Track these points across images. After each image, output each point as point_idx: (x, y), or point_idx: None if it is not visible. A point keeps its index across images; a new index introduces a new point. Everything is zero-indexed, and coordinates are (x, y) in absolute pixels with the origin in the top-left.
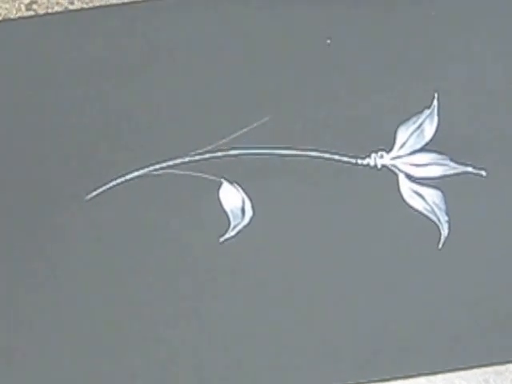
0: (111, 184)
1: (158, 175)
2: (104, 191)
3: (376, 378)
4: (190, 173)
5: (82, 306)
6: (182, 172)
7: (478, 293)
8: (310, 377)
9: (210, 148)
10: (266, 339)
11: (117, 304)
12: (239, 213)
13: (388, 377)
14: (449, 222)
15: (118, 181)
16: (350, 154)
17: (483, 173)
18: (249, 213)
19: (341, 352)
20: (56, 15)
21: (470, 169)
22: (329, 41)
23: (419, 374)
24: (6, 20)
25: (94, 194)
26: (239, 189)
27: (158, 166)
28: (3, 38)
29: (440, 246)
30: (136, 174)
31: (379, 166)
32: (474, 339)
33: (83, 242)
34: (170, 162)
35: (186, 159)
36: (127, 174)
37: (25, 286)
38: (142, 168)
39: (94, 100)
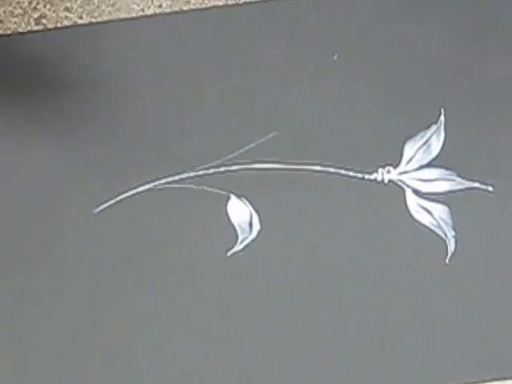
0: (119, 197)
1: (167, 189)
2: (112, 204)
3: None
4: (199, 187)
5: (90, 318)
6: (190, 186)
7: (486, 307)
8: None
9: (218, 162)
10: (275, 353)
11: (125, 317)
12: (247, 227)
13: None
14: (455, 237)
15: (127, 194)
16: (358, 169)
17: (490, 188)
18: (256, 227)
19: (348, 365)
20: (65, 29)
21: (476, 184)
22: (336, 56)
23: None
24: (16, 34)
25: (103, 207)
26: (247, 203)
27: (166, 180)
28: (13, 51)
29: (447, 260)
30: (145, 187)
31: (386, 181)
32: (480, 354)
33: (91, 254)
34: (179, 177)
35: (194, 173)
36: (136, 187)
37: (33, 298)
38: (150, 181)
39: (101, 114)
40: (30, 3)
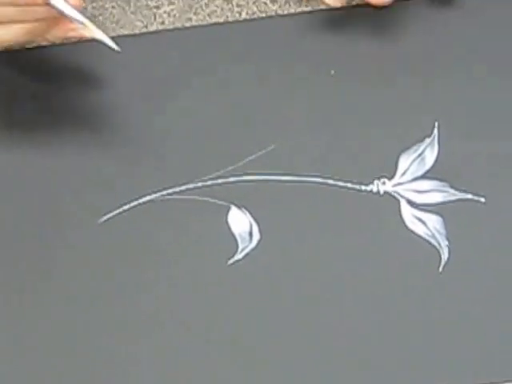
0: (123, 208)
1: (169, 200)
2: (116, 215)
3: None
4: (201, 198)
5: (92, 327)
6: (192, 197)
7: (479, 313)
8: None
9: (218, 174)
10: (276, 359)
11: (126, 325)
12: (247, 236)
13: None
14: (449, 246)
15: (130, 205)
16: (354, 181)
17: (482, 200)
18: (256, 236)
19: (347, 369)
20: (70, 45)
21: (469, 196)
22: (333, 71)
23: None
24: (23, 50)
25: (106, 217)
26: (247, 213)
27: (168, 192)
28: (22, 65)
29: (440, 269)
30: (147, 198)
31: (382, 193)
32: (473, 361)
33: (94, 264)
34: (179, 188)
35: (195, 185)
36: (139, 198)
37: (35, 308)
38: (153, 193)
39: (105, 125)
40: None
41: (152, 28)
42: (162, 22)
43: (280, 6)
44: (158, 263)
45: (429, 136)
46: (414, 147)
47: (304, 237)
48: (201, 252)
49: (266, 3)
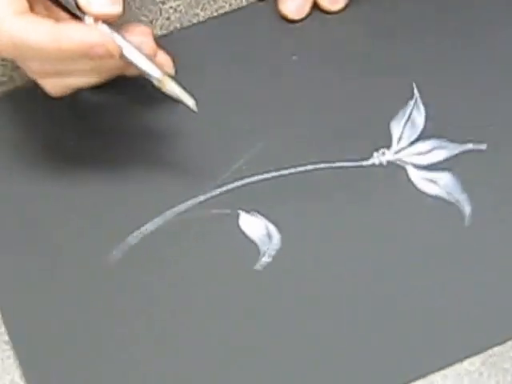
0: (129, 239)
1: (174, 221)
2: (124, 250)
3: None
4: (205, 212)
5: (116, 361)
6: (196, 213)
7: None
8: None
9: (216, 184)
10: (322, 362)
11: (156, 352)
12: (265, 238)
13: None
14: (467, 199)
15: (135, 235)
16: (354, 158)
17: (483, 147)
18: (276, 236)
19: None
20: None
21: (470, 145)
22: (294, 57)
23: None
24: None
25: (114, 252)
26: (258, 215)
27: (171, 212)
28: None
29: (466, 223)
30: (152, 224)
31: (385, 163)
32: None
33: (116, 300)
34: (179, 208)
35: (194, 202)
36: (142, 226)
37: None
38: (155, 218)
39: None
40: None
41: (158, 23)
42: (168, 18)
43: None
44: (184, 286)
45: (411, 98)
46: (401, 112)
47: (323, 224)
48: (225, 265)
49: None
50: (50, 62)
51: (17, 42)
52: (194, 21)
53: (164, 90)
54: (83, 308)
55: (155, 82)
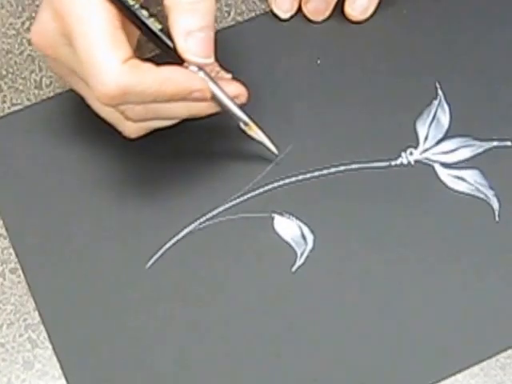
0: (165, 247)
1: (206, 227)
2: (160, 256)
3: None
4: (239, 216)
5: (151, 368)
6: (229, 217)
7: None
8: None
9: (248, 188)
10: (361, 361)
11: (194, 358)
12: (301, 240)
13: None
14: (496, 195)
15: (171, 243)
16: (382, 159)
17: (508, 143)
18: (310, 237)
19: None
20: None
21: (495, 143)
22: (318, 60)
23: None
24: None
25: (152, 261)
26: (292, 218)
27: (201, 220)
28: None
29: (497, 218)
30: (186, 231)
31: (413, 163)
32: None
33: (151, 306)
34: (215, 211)
35: (229, 204)
36: (177, 234)
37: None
38: (189, 224)
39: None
40: (22, 24)
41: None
42: None
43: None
44: (222, 291)
45: (435, 98)
46: (426, 112)
47: (355, 224)
48: (262, 268)
49: (254, 2)
50: (148, 107)
51: (124, 89)
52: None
53: (249, 133)
54: (120, 308)
55: (241, 125)
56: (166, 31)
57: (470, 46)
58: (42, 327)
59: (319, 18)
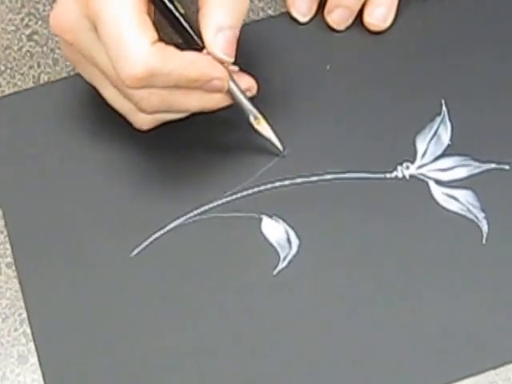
0: (153, 238)
1: (196, 221)
2: (146, 246)
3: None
4: (228, 214)
5: (136, 360)
6: (219, 214)
7: None
8: None
9: (240, 188)
10: (335, 368)
11: (179, 355)
12: (286, 244)
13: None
14: (486, 217)
15: (158, 234)
16: (378, 170)
17: (506, 167)
18: (295, 242)
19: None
20: None
21: (493, 165)
22: (328, 66)
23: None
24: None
25: (138, 250)
26: (280, 221)
27: (191, 214)
28: None
29: (484, 241)
30: (175, 223)
31: (408, 177)
32: None
33: (136, 296)
34: (206, 207)
35: (216, 203)
36: (166, 225)
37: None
38: (179, 217)
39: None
40: (21, 20)
41: None
42: None
43: (266, 3)
44: (203, 285)
45: (439, 114)
46: (427, 127)
47: (342, 233)
48: (244, 267)
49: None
50: (164, 97)
51: (152, 70)
52: None
53: (257, 127)
54: (107, 296)
55: (251, 119)
56: (189, 18)
57: (483, 67)
58: None
59: (343, 27)
